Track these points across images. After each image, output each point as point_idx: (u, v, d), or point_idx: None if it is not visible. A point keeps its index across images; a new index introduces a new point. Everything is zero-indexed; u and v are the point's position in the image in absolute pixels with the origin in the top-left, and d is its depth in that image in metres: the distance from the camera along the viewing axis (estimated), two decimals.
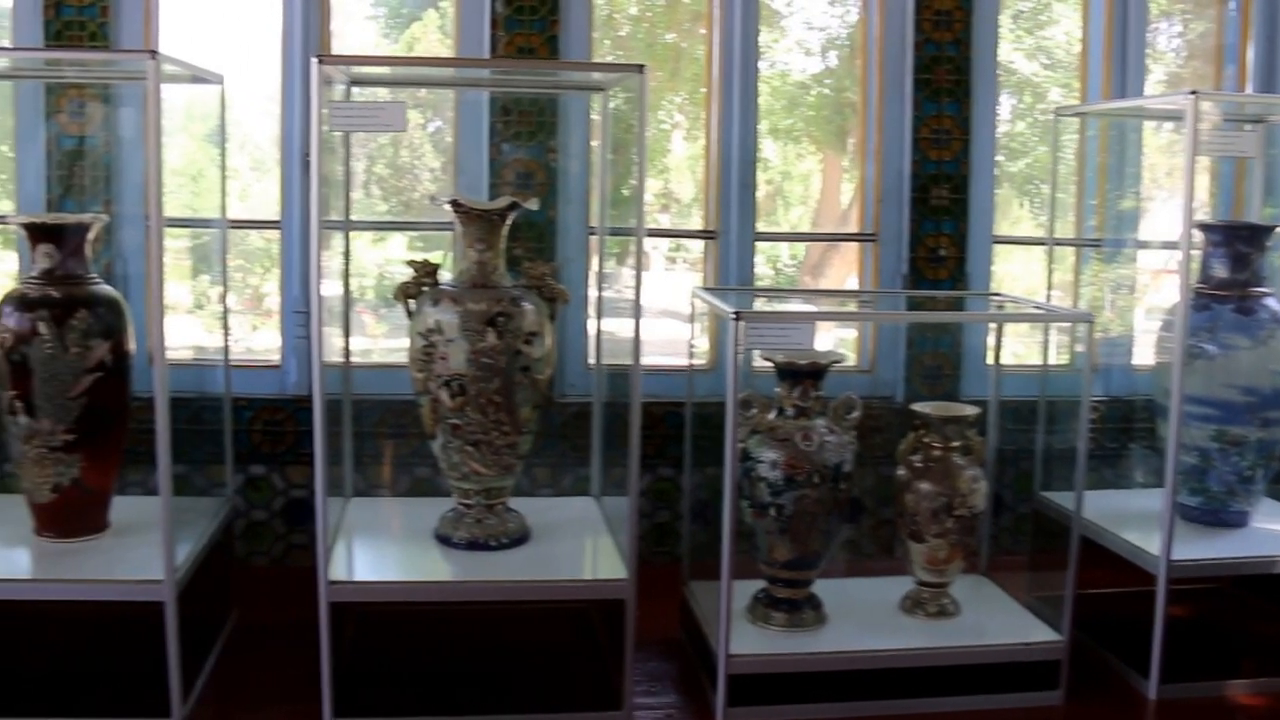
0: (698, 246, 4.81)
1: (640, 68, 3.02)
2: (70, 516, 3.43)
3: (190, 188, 4.80)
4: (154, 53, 2.94)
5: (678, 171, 5.13)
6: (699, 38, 4.71)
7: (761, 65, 4.48)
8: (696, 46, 4.76)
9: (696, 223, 4.80)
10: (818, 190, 5.29)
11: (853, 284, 4.84)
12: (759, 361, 3.50)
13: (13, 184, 4.22)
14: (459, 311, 3.27)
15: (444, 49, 4.53)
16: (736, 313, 3.10)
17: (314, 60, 2.93)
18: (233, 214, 3.93)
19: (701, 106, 4.68)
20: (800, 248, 5.35)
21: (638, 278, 3.12)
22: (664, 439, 4.29)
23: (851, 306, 4.67)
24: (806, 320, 3.25)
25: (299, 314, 4.19)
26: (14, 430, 3.33)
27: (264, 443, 4.21)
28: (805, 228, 5.23)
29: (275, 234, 4.32)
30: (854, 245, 4.75)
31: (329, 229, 3.88)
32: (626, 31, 4.93)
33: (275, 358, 4.34)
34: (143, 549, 3.33)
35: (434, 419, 3.36)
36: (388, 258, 5.04)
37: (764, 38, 4.49)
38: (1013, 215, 5.11)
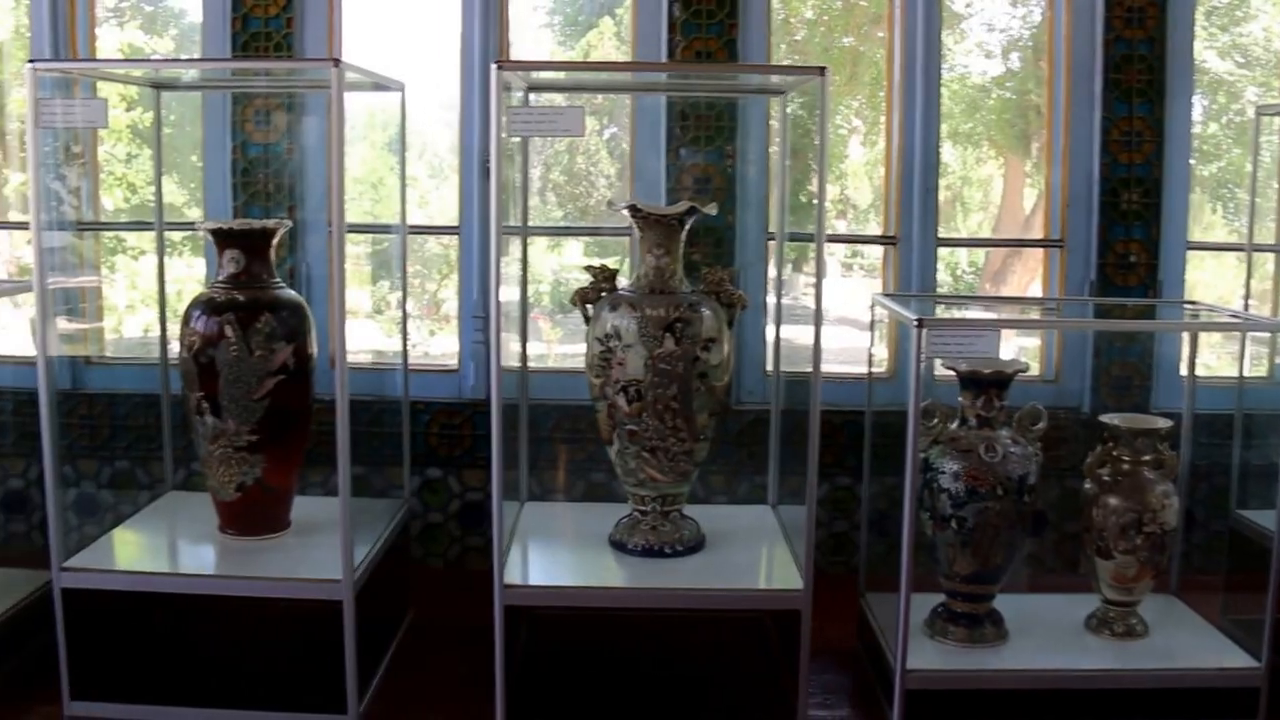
0: (874, 253, 4.73)
1: (822, 70, 2.96)
2: (253, 515, 3.50)
3: (371, 195, 4.88)
4: (337, 61, 2.98)
5: (855, 176, 5.06)
6: (876, 41, 4.63)
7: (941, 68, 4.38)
8: (874, 50, 4.68)
9: (873, 228, 4.71)
10: (998, 196, 5.16)
11: (1035, 291, 4.70)
12: (940, 370, 3.41)
13: (200, 191, 4.33)
14: (637, 317, 3.24)
15: (620, 56, 4.53)
16: (919, 319, 3.02)
17: (493, 66, 2.93)
18: (412, 220, 3.96)
19: (879, 110, 4.60)
20: (980, 255, 5.23)
21: (818, 284, 3.06)
22: (841, 448, 4.22)
23: (1035, 314, 4.53)
24: (992, 328, 3.14)
25: (477, 319, 4.21)
26: (200, 430, 3.41)
27: (441, 446, 4.24)
28: (985, 234, 5.11)
29: (452, 239, 4.36)
30: (1037, 252, 4.62)
31: (507, 234, 3.93)
32: (802, 36, 4.88)
33: (453, 362, 4.37)
34: (322, 548, 3.39)
35: (611, 425, 3.34)
36: (562, 264, 5.06)
37: (944, 40, 4.38)
38: (1204, 220, 4.91)
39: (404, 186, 3.77)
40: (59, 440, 3.33)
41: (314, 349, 3.48)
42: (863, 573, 3.74)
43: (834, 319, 5.15)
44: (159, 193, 3.85)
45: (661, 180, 4.15)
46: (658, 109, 4.15)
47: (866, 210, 5.00)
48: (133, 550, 3.54)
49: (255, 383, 3.34)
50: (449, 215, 4.39)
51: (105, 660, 3.35)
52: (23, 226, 4.73)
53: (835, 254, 5.56)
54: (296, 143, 4.20)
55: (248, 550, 3.45)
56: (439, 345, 4.75)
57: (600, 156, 5.46)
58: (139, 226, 4.65)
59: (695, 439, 3.32)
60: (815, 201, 3.03)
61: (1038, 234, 4.57)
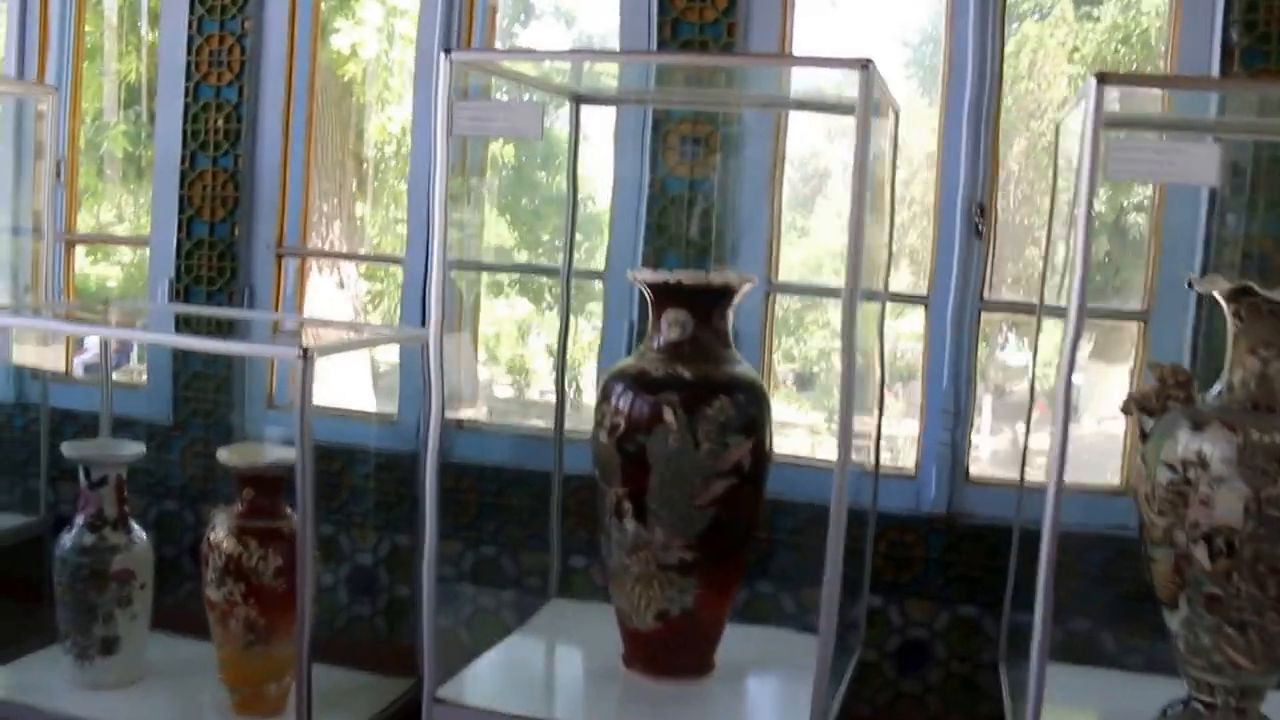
0: None
1: None
2: (673, 651, 2.74)
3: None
4: (867, 63, 2.19)
5: None
6: None
7: None
8: None
9: None
10: None
11: None
12: None
13: (606, 234, 3.59)
14: (1237, 442, 2.32)
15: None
16: None
17: (1092, 79, 2.09)
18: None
19: None
20: None
21: None
22: None
23: None
24: None
25: (946, 414, 3.32)
26: (616, 536, 2.66)
27: (885, 568, 3.34)
28: None
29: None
30: None
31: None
32: None
33: (907, 464, 3.48)
34: (760, 702, 2.79)
35: (1176, 582, 2.42)
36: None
37: None
38: None
39: (891, 236, 2.95)
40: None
41: (771, 445, 2.69)
42: None
43: None
44: (570, 232, 3.16)
45: (1196, 252, 3.19)
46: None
47: None
48: (519, 683, 2.82)
49: (699, 484, 2.57)
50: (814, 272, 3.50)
51: None
52: (392, 260, 4.09)
53: None
54: (730, 176, 3.42)
55: (664, 698, 2.69)
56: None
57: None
58: (536, 269, 3.92)
59: None
60: None
61: None
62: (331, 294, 4.85)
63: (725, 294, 2.66)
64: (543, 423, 4.33)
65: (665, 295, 2.65)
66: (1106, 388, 4.59)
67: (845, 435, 2.28)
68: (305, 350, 2.55)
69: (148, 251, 3.95)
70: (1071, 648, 3.20)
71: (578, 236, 3.81)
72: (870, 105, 2.20)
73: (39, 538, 3.70)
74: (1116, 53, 7.70)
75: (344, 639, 3.70)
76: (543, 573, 3.41)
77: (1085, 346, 4.30)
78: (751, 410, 2.61)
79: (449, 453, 3.62)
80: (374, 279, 5.54)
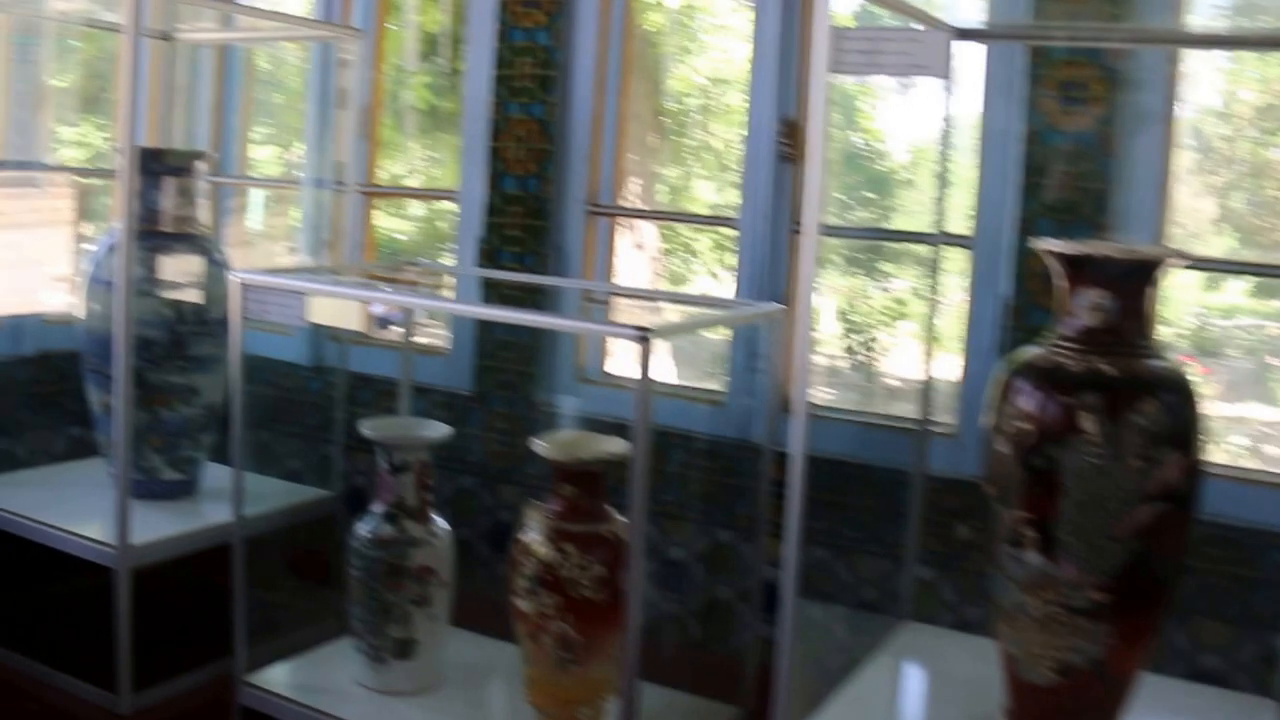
0: None
1: None
2: (1071, 711, 2.22)
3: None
4: None
5: None
6: None
7: None
8: None
9: None
10: None
11: None
12: None
13: (973, 196, 3.09)
14: None
15: None
16: None
17: None
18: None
19: None
20: None
21: None
22: None
23: None
24: None
25: None
26: (1014, 569, 2.18)
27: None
28: None
29: None
30: None
31: None
32: None
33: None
34: None
35: None
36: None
37: None
38: None
39: None
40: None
41: (1206, 457, 2.16)
42: None
43: None
44: (941, 194, 2.68)
45: None
46: None
47: None
48: None
49: (1119, 510, 2.06)
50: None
51: None
52: (723, 221, 3.66)
53: None
54: (1117, 130, 2.87)
55: None
56: None
57: None
58: (903, 236, 3.43)
59: None
60: None
61: None
62: (630, 255, 4.53)
63: (1148, 270, 2.13)
64: (832, 395, 3.92)
65: (1083, 271, 2.14)
66: None
67: None
68: (644, 331, 2.15)
69: (443, 206, 3.65)
70: None
71: (874, 195, 3.41)
72: None
73: (331, 514, 3.45)
74: None
75: (652, 644, 3.33)
76: (881, 583, 3.01)
77: None
78: (1184, 416, 2.09)
79: (779, 441, 3.21)
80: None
